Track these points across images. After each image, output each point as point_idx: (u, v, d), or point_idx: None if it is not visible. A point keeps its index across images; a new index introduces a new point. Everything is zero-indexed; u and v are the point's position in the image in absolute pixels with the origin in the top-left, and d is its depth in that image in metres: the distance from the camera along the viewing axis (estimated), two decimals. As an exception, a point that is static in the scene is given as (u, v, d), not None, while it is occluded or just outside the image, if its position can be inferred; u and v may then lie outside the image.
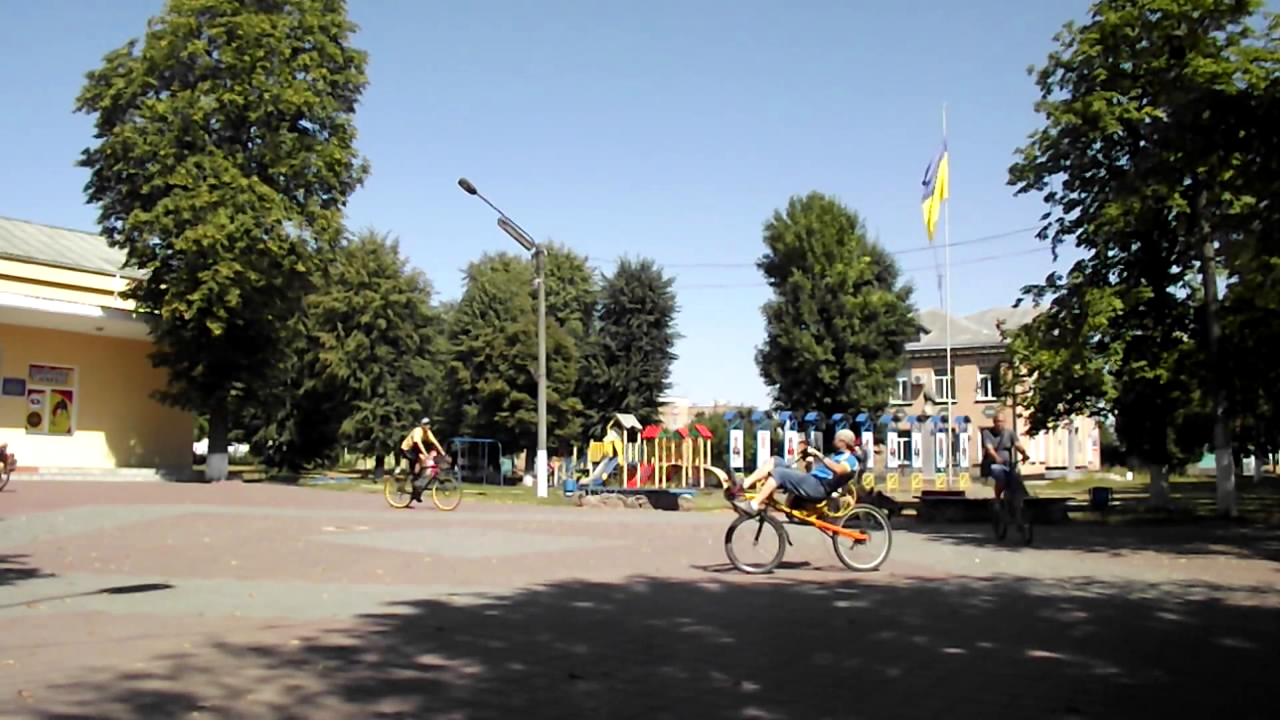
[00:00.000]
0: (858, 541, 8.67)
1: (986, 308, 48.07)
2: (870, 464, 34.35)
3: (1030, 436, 22.39)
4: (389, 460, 47.17)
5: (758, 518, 8.53)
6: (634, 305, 43.37)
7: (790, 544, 8.48)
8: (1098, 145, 19.38)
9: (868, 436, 34.37)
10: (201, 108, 26.28)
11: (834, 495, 8.95)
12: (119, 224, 27.28)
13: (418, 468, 17.91)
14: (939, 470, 36.62)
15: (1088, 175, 19.74)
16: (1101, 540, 12.75)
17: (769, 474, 8.77)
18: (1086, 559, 10.30)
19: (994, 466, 12.82)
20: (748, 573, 8.19)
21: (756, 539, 8.55)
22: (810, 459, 9.73)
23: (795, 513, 8.74)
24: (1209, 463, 44.47)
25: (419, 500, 17.64)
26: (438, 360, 45.43)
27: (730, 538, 8.52)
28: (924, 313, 44.35)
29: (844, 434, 9.55)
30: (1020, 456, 12.91)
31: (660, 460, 31.28)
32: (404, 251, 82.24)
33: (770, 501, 8.63)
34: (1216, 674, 4.72)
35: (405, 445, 18.34)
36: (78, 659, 4.36)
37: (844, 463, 8.90)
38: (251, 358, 28.26)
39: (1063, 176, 19.89)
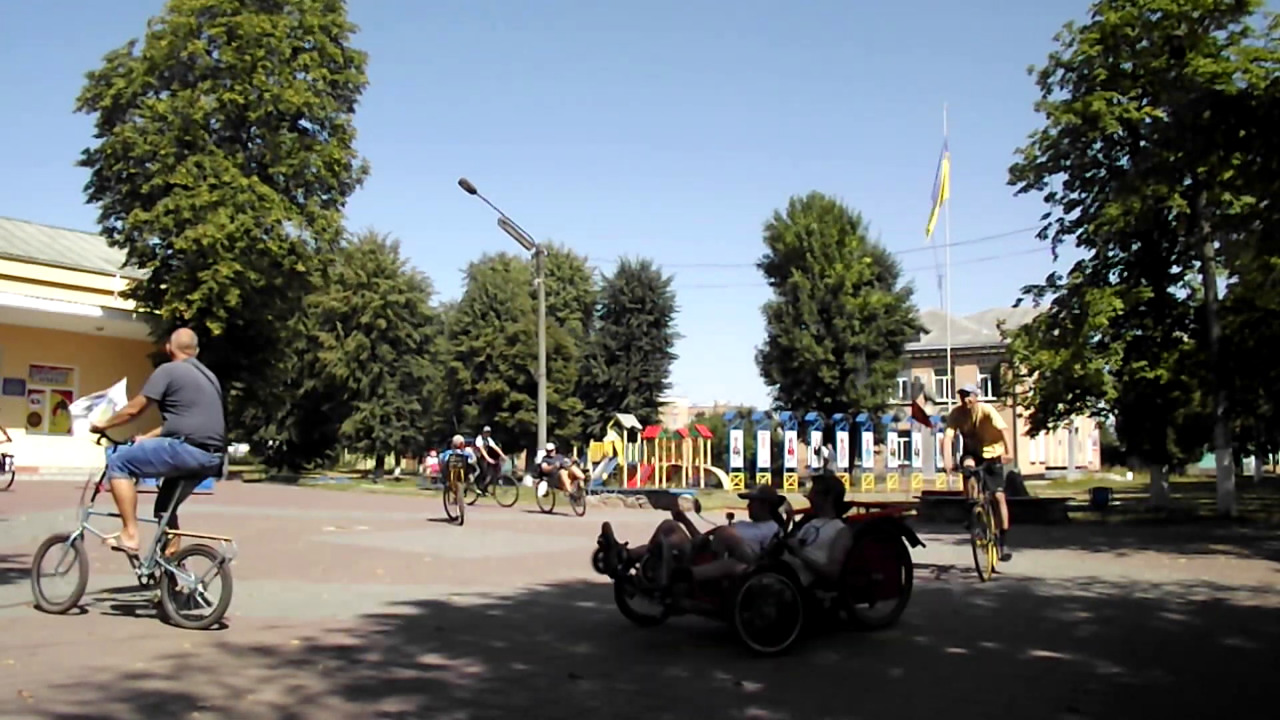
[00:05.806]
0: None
1: (986, 308, 47.96)
2: (870, 464, 34.37)
3: (1030, 437, 22.36)
4: (389, 460, 47.23)
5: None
6: (634, 305, 43.32)
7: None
8: (1098, 145, 19.36)
9: (868, 436, 34.42)
10: (201, 107, 26.22)
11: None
12: (119, 224, 27.21)
13: None
14: (939, 470, 36.61)
15: (1088, 175, 19.72)
16: (1103, 540, 12.72)
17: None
18: (1089, 559, 10.30)
19: None
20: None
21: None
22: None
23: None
24: (1209, 463, 44.42)
25: None
26: (438, 360, 45.42)
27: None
28: (924, 313, 44.30)
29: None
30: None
31: (660, 460, 31.26)
32: (404, 252, 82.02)
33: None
34: (1217, 674, 4.72)
35: None
36: (78, 659, 4.36)
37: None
38: (252, 358, 28.23)
39: (1063, 176, 19.86)
